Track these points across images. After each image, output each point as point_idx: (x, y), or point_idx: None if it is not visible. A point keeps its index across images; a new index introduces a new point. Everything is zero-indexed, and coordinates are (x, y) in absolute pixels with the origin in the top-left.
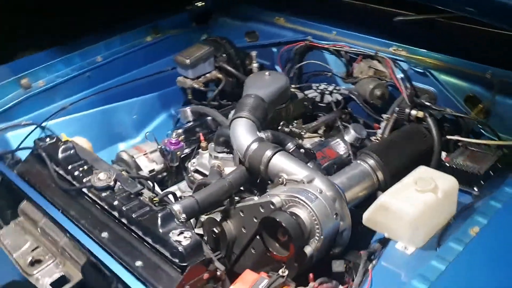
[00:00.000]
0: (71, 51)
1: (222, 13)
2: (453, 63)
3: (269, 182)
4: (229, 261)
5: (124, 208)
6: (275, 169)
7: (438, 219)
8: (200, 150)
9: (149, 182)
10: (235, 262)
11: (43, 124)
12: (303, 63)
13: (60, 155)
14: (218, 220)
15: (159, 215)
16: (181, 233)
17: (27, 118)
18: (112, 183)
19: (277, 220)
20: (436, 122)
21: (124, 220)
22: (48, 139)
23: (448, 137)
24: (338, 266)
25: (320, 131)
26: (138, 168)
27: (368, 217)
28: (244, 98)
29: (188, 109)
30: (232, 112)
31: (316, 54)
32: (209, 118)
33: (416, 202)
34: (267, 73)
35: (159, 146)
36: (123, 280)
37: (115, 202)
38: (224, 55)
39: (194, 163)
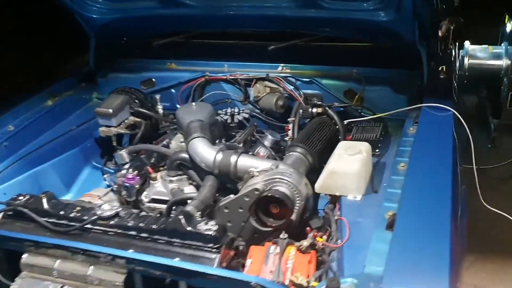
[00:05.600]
0: None
1: (108, 70)
2: (327, 70)
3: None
4: None
5: (141, 225)
6: (243, 167)
7: (368, 171)
8: (151, 181)
9: None
10: None
11: None
12: (204, 96)
13: (46, 206)
14: None
15: (181, 217)
16: (206, 223)
17: None
18: (119, 210)
19: (270, 195)
20: (335, 112)
21: (144, 234)
22: (21, 197)
23: (346, 121)
24: (316, 222)
25: (241, 145)
26: None
27: (321, 185)
28: (189, 124)
29: (124, 152)
30: (174, 141)
31: (214, 87)
32: (143, 156)
33: (353, 162)
34: (192, 104)
35: (115, 186)
36: (180, 267)
37: (130, 223)
38: (137, 101)
39: (147, 194)
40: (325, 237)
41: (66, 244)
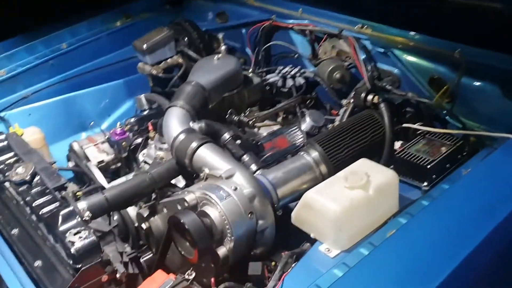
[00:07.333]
0: (34, 39)
1: None
2: (420, 41)
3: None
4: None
5: (34, 204)
6: (199, 162)
7: (370, 219)
8: (149, 140)
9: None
10: (161, 260)
11: (1, 115)
12: (268, 44)
13: None
14: (145, 216)
15: (60, 213)
16: (78, 232)
17: None
18: (28, 178)
19: (181, 221)
20: (390, 108)
21: (33, 217)
22: None
23: (405, 125)
24: (254, 269)
25: (279, 119)
26: (88, 159)
27: (296, 215)
28: (182, 86)
29: (142, 97)
30: None
31: (283, 34)
32: None
33: (342, 199)
34: (215, 57)
35: (107, 137)
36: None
37: (28, 198)
38: (186, 38)
39: (144, 154)
40: None
41: None
